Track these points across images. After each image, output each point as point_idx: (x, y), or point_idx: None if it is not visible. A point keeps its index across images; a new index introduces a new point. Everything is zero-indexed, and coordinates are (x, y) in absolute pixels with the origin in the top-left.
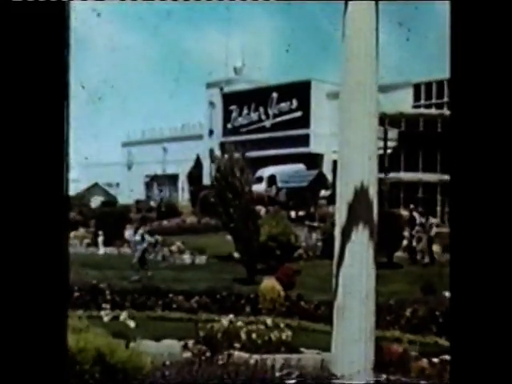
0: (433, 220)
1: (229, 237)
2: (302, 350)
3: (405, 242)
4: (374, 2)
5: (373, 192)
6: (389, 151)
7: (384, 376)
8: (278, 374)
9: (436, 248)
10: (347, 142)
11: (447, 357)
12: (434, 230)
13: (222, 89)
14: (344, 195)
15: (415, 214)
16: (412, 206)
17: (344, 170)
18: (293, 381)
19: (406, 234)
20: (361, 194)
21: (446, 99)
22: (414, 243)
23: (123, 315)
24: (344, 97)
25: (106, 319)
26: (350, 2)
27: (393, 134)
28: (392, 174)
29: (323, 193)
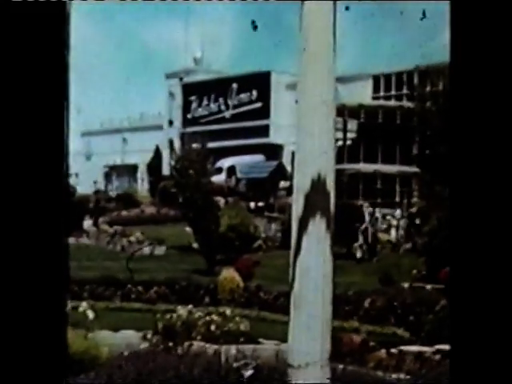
0: (377, 214)
1: (188, 227)
2: (261, 340)
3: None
4: None
5: (330, 183)
6: (348, 142)
7: (341, 366)
8: (235, 365)
9: (393, 238)
10: (304, 133)
11: (405, 347)
12: (379, 224)
13: (181, 79)
14: (301, 186)
15: (365, 209)
16: (361, 202)
17: (301, 161)
18: (250, 371)
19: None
20: (318, 184)
21: (405, 91)
22: (361, 239)
23: (83, 306)
24: (301, 87)
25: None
26: None
27: (352, 125)
28: (351, 165)
29: (283, 184)
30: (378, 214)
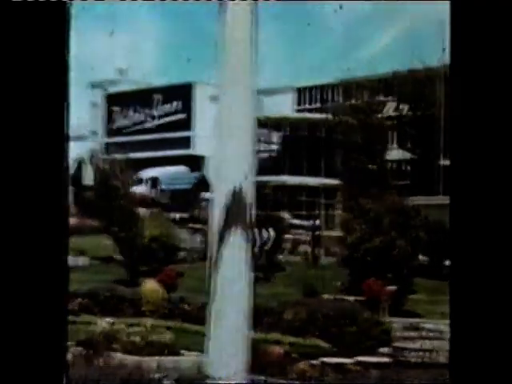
0: (272, 233)
1: (110, 238)
2: (183, 352)
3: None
4: (252, 3)
5: (249, 194)
6: (272, 154)
7: (262, 378)
8: (156, 376)
9: (317, 251)
10: (223, 145)
11: (326, 359)
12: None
13: (105, 89)
14: (219, 198)
15: (255, 231)
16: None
17: (220, 172)
18: (170, 382)
19: (291, 236)
20: (236, 196)
21: (329, 104)
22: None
23: None
24: (221, 99)
25: None
26: (228, 3)
27: (276, 137)
28: (275, 178)
29: (206, 195)
30: (272, 233)
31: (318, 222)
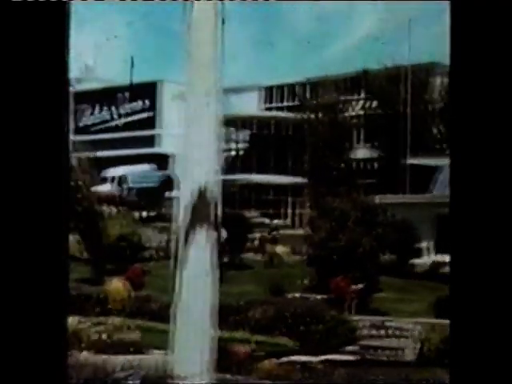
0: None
1: (77, 236)
2: (149, 350)
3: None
4: (217, 2)
5: (215, 193)
6: (240, 153)
7: (228, 376)
8: (122, 375)
9: (284, 249)
10: (189, 143)
11: (293, 357)
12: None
13: (72, 87)
14: (185, 196)
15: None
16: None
17: (186, 171)
18: (136, 381)
19: (257, 235)
20: (202, 194)
21: (297, 102)
22: None
23: None
24: (187, 97)
25: None
26: (194, 2)
27: (244, 135)
28: (243, 176)
29: (174, 193)
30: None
31: (283, 220)
